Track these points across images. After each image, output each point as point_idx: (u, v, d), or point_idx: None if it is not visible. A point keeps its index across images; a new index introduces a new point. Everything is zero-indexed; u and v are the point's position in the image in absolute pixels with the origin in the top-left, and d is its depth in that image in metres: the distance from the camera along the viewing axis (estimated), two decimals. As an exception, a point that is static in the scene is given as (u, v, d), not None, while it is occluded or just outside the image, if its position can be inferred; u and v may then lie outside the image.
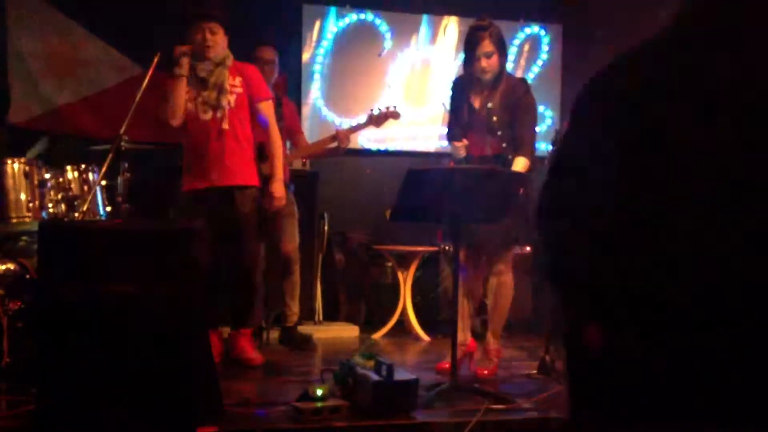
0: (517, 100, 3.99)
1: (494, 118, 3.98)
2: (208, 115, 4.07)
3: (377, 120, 4.97)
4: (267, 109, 4.26)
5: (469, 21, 6.38)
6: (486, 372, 4.02)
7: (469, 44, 3.98)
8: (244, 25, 5.26)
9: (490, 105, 4.00)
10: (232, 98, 4.11)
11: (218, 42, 4.09)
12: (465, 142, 3.99)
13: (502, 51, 3.99)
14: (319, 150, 5.10)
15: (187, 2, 4.26)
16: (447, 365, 3.87)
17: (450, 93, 4.25)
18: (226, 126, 4.07)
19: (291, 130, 5.03)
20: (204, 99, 4.07)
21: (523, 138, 3.96)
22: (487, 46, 3.91)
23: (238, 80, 4.15)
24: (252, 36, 5.00)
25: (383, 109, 4.99)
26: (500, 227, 3.89)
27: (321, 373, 3.42)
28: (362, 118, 5.08)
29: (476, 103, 4.05)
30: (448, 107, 4.30)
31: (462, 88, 4.14)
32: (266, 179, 4.30)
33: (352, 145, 6.04)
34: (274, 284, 4.83)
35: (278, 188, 4.22)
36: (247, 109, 4.19)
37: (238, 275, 4.20)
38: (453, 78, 4.43)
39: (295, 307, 4.89)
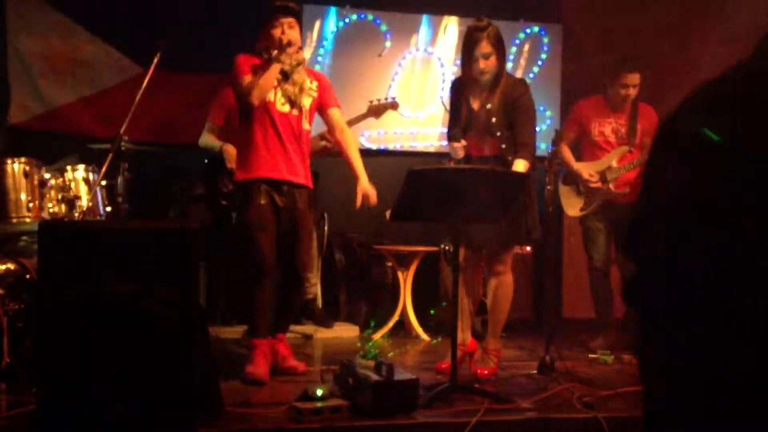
0: (516, 101, 3.99)
1: (493, 119, 3.99)
2: (286, 108, 3.99)
3: (377, 110, 4.98)
4: (339, 114, 4.21)
5: (469, 21, 6.38)
6: (486, 372, 4.02)
7: (467, 45, 3.98)
8: (244, 25, 5.26)
9: (489, 106, 4.01)
10: (309, 100, 4.06)
11: (297, 38, 4.04)
12: (463, 142, 3.98)
13: (500, 52, 3.98)
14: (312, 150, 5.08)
15: (254, 7, 4.21)
16: (447, 365, 3.88)
17: (449, 94, 4.27)
18: (307, 126, 4.05)
19: None
20: (285, 92, 3.99)
21: (523, 140, 3.97)
22: (485, 47, 3.91)
23: (315, 84, 4.10)
24: (252, 36, 4.99)
25: (382, 100, 5.02)
26: (500, 227, 3.90)
27: (321, 373, 3.42)
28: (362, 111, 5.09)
29: (475, 105, 4.07)
30: (447, 106, 4.31)
31: (460, 89, 4.15)
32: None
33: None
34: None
35: (368, 185, 4.06)
36: (314, 115, 4.17)
37: (290, 277, 4.07)
38: (452, 79, 4.45)
39: (313, 278, 4.89)
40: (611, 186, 4.88)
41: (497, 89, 3.99)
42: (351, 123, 5.02)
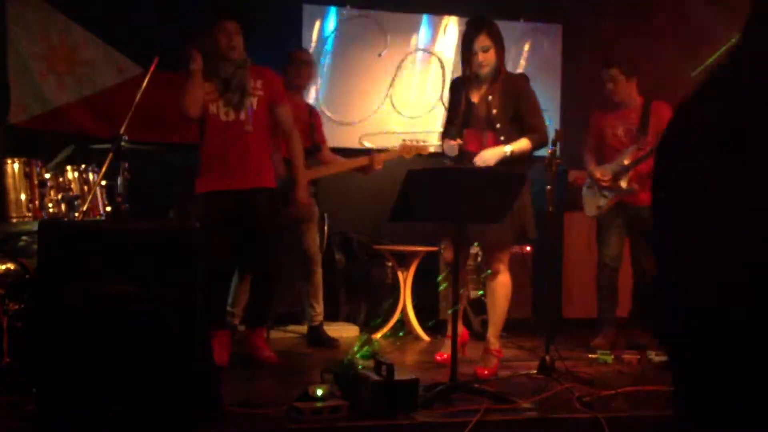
0: (519, 93, 4.09)
1: (494, 111, 4.06)
2: (231, 117, 4.07)
3: (408, 150, 5.10)
4: (286, 112, 4.29)
5: (469, 21, 6.43)
6: (486, 372, 4.04)
7: (467, 39, 4.06)
8: (245, 25, 5.26)
9: (489, 98, 4.07)
10: (254, 100, 4.12)
11: (240, 43, 4.12)
12: (459, 141, 4.05)
13: (499, 46, 4.05)
14: (348, 167, 5.15)
15: (206, 3, 4.27)
16: (442, 356, 4.21)
17: (449, 94, 4.33)
18: (250, 128, 4.08)
19: (318, 142, 5.10)
20: (227, 100, 4.06)
21: (533, 126, 4.07)
22: (483, 40, 4.00)
23: (259, 83, 4.15)
24: (252, 36, 4.99)
25: (414, 142, 5.13)
26: (497, 227, 3.93)
27: (321, 373, 3.42)
28: (393, 144, 5.33)
29: (475, 98, 4.13)
30: (446, 104, 4.48)
31: (460, 87, 4.22)
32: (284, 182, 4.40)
33: (351, 145, 6.07)
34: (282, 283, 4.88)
35: (303, 194, 4.33)
36: (267, 113, 4.21)
37: (259, 276, 4.28)
38: (453, 78, 4.48)
39: (319, 308, 5.02)
40: (623, 184, 4.92)
41: (497, 83, 4.06)
42: (385, 158, 5.08)
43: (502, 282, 4.18)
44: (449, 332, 4.38)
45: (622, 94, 5.03)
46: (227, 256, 4.10)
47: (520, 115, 4.07)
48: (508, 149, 4.00)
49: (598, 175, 4.97)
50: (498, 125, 4.05)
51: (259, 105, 4.13)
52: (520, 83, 4.15)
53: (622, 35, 6.25)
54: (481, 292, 5.26)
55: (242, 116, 4.07)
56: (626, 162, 4.93)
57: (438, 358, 4.31)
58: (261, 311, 4.35)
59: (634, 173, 4.91)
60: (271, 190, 4.18)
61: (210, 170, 4.10)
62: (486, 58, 4.01)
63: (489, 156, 4.00)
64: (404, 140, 5.17)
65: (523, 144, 4.02)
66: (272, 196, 4.19)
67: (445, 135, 4.18)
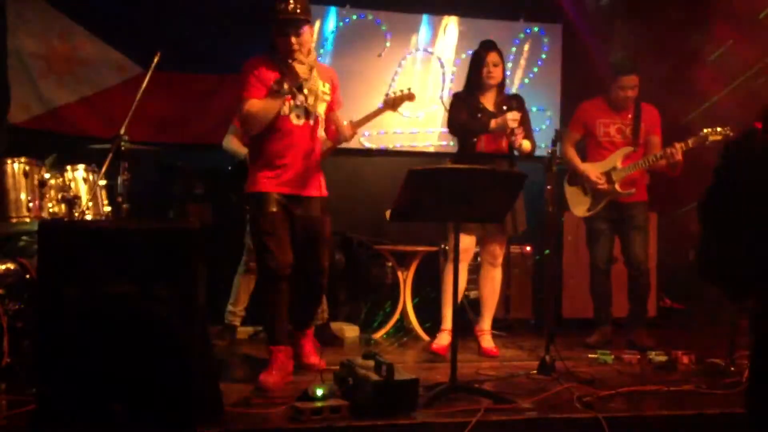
0: (518, 109, 4.60)
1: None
2: (302, 121, 3.85)
3: (393, 103, 4.98)
4: (339, 117, 4.11)
5: (469, 21, 6.44)
6: (495, 349, 4.64)
7: (479, 55, 4.68)
8: (245, 24, 5.27)
9: (505, 107, 4.59)
10: (324, 107, 3.94)
11: (310, 40, 3.89)
12: (516, 113, 4.49)
13: (504, 65, 4.70)
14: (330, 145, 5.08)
15: (254, 8, 4.01)
16: (438, 347, 4.51)
17: (454, 107, 4.69)
18: (321, 133, 3.94)
19: None
20: (300, 104, 3.82)
21: (531, 136, 4.69)
22: (494, 56, 4.64)
23: (327, 86, 3.97)
24: (252, 35, 5.00)
25: (398, 92, 5.03)
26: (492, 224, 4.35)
27: (321, 373, 3.42)
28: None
29: (489, 106, 4.63)
30: (447, 106, 4.65)
31: (467, 98, 4.68)
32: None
33: (352, 145, 6.06)
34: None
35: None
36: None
37: (315, 279, 4.06)
38: (454, 93, 4.87)
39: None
40: (617, 186, 4.91)
41: (503, 96, 4.69)
42: (369, 118, 5.00)
43: (497, 276, 4.72)
44: (445, 325, 4.49)
45: (633, 100, 5.01)
46: (285, 255, 3.81)
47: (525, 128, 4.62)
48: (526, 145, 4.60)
49: (593, 177, 4.95)
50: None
51: (326, 111, 3.97)
52: (519, 100, 4.73)
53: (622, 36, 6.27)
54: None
55: (311, 121, 3.87)
56: (620, 164, 4.93)
57: (434, 347, 4.55)
58: (309, 313, 4.19)
59: (627, 176, 4.92)
60: (324, 199, 4.01)
61: (272, 174, 3.82)
62: (496, 71, 4.62)
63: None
64: (387, 94, 4.89)
65: (528, 146, 4.60)
66: (324, 204, 4.01)
67: (471, 129, 4.59)
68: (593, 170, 4.97)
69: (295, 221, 3.87)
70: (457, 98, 4.74)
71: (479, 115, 4.57)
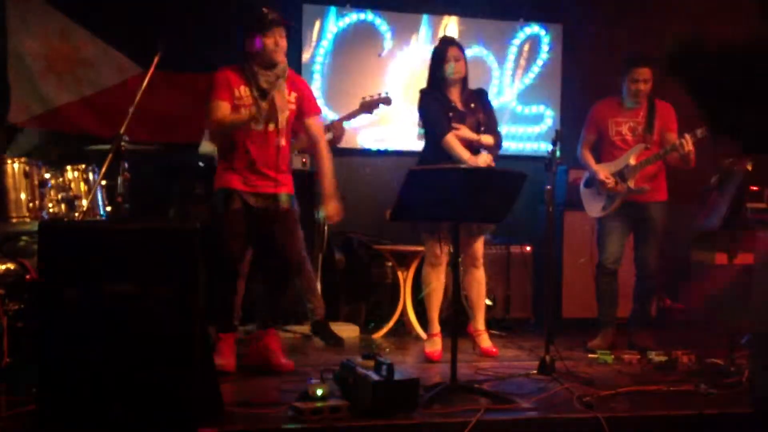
0: (485, 104, 4.70)
1: (480, 116, 4.62)
2: (260, 126, 3.96)
3: (369, 106, 5.00)
4: (317, 123, 4.20)
5: (469, 21, 6.44)
6: (494, 349, 4.66)
7: (440, 52, 4.64)
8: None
9: (472, 105, 4.61)
10: (286, 116, 4.01)
11: (284, 50, 4.02)
12: (488, 157, 4.53)
13: (465, 59, 4.66)
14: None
15: (254, 8, 4.09)
16: (436, 354, 4.51)
17: (424, 105, 4.66)
18: (283, 142, 4.01)
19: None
20: (261, 111, 3.94)
21: (496, 129, 4.73)
22: (455, 51, 4.60)
23: (293, 96, 4.06)
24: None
25: (375, 96, 5.04)
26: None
27: (321, 373, 3.42)
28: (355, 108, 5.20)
29: (459, 105, 4.61)
30: (421, 131, 4.83)
31: (434, 92, 4.62)
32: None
33: (351, 145, 6.07)
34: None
35: (333, 206, 4.14)
36: (293, 125, 4.14)
37: (280, 275, 4.19)
38: (421, 90, 4.76)
39: (317, 302, 4.95)
40: (631, 184, 4.87)
41: (467, 91, 4.66)
42: (344, 119, 5.03)
43: (482, 272, 4.76)
44: (433, 330, 4.49)
45: (646, 95, 4.96)
46: (239, 255, 4.05)
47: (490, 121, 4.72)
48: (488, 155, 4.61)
49: (602, 177, 4.90)
50: (483, 129, 4.60)
51: (289, 120, 4.05)
52: (485, 94, 4.77)
53: (622, 36, 6.26)
54: None
55: (270, 128, 3.97)
56: (633, 162, 4.86)
57: (428, 352, 4.56)
58: (274, 308, 4.25)
59: (641, 173, 4.88)
60: (292, 195, 4.10)
61: (234, 173, 3.99)
62: (458, 66, 4.58)
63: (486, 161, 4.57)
64: (363, 97, 5.08)
65: (490, 140, 4.62)
66: (291, 196, 4.10)
67: (449, 131, 4.54)
68: (603, 171, 4.93)
69: (258, 217, 4.00)
70: (425, 94, 4.67)
71: (450, 114, 4.54)
